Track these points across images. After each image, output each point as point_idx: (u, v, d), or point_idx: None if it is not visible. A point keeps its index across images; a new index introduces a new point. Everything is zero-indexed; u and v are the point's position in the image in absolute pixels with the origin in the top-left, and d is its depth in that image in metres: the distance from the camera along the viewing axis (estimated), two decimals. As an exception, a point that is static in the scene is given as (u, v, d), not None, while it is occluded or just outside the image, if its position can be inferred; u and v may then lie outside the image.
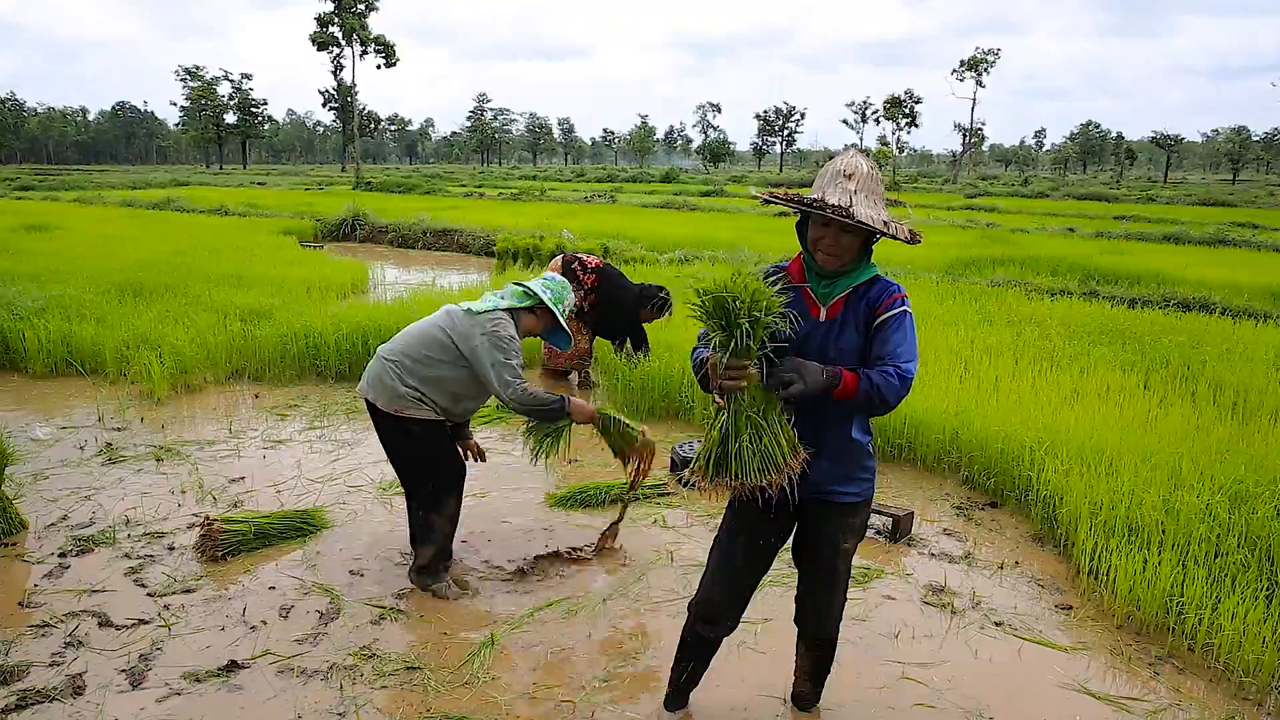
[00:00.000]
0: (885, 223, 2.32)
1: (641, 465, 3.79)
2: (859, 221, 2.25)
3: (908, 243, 2.40)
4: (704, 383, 2.40)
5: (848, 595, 2.73)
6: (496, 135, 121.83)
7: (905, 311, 2.41)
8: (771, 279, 2.41)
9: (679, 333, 7.20)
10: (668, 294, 6.56)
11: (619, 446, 3.78)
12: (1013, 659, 3.25)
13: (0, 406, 6.07)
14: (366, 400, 3.54)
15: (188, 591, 3.57)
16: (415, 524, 3.63)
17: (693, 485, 2.38)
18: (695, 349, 2.54)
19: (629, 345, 6.71)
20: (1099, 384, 5.97)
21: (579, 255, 6.84)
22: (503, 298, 3.59)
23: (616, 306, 6.59)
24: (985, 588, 3.78)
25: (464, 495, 3.95)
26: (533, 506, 4.54)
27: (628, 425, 3.72)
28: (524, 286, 3.64)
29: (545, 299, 3.59)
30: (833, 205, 2.27)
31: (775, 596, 3.64)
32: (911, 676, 3.12)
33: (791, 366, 2.29)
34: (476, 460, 3.96)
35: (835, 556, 2.61)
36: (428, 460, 3.56)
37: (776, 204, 2.39)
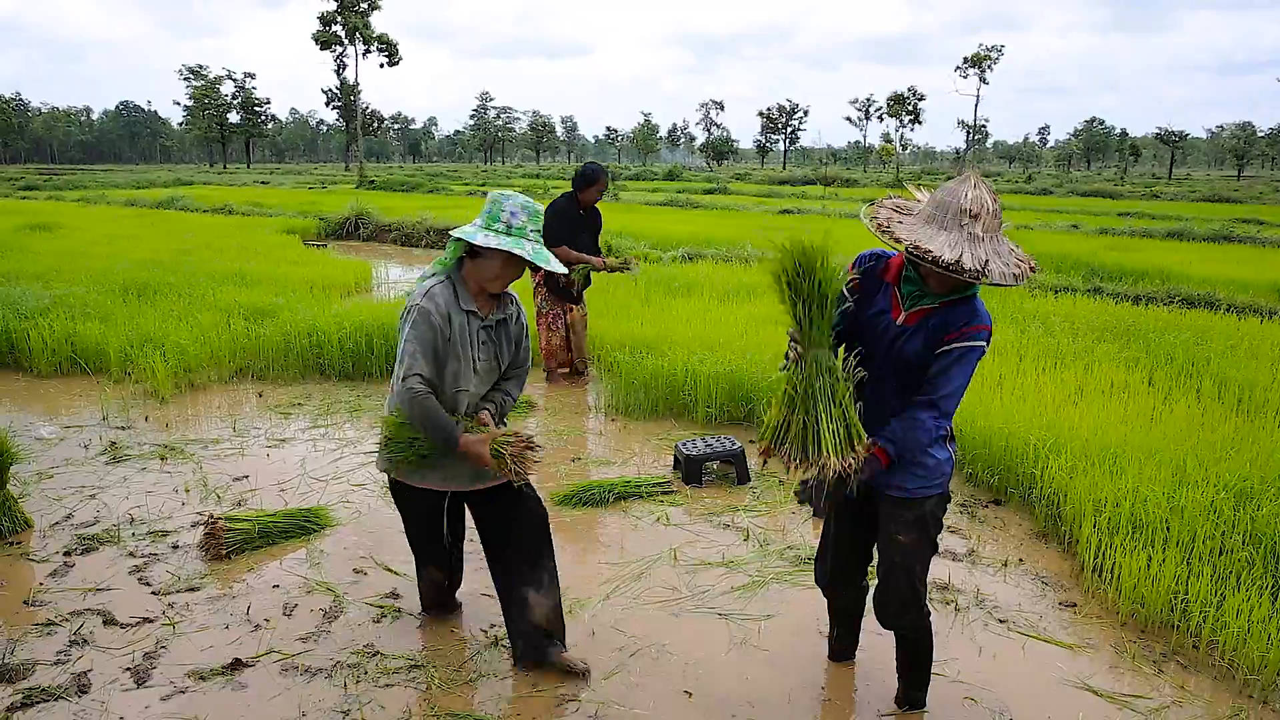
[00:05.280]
0: (1017, 276, 2.21)
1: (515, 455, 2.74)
2: (995, 284, 2.20)
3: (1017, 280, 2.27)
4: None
5: (915, 595, 2.67)
6: (500, 134, 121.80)
7: (977, 346, 2.35)
8: (868, 266, 2.52)
9: (681, 329, 7.19)
10: (594, 166, 6.34)
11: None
12: (1017, 656, 3.25)
13: (5, 406, 6.09)
14: None
15: (192, 590, 3.58)
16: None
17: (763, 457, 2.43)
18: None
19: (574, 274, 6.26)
20: (1103, 381, 5.95)
21: None
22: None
23: (551, 220, 6.02)
24: (989, 585, 3.77)
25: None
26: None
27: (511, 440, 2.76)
28: (456, 235, 2.77)
29: (469, 232, 2.70)
30: (970, 270, 2.18)
31: (777, 594, 3.64)
32: (915, 674, 3.11)
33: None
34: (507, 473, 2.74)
35: (890, 549, 2.63)
36: (403, 519, 3.18)
37: (891, 238, 2.27)
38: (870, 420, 2.57)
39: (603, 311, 7.85)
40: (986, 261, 2.21)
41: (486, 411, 2.90)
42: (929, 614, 2.78)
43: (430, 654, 3.17)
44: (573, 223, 6.36)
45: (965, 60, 72.00)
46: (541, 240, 2.78)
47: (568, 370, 6.91)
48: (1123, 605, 3.51)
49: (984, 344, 2.38)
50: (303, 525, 4.11)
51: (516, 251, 2.65)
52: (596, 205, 6.60)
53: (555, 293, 6.51)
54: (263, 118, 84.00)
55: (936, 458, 2.56)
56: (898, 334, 2.46)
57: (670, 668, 3.12)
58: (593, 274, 6.57)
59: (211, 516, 3.94)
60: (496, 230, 2.67)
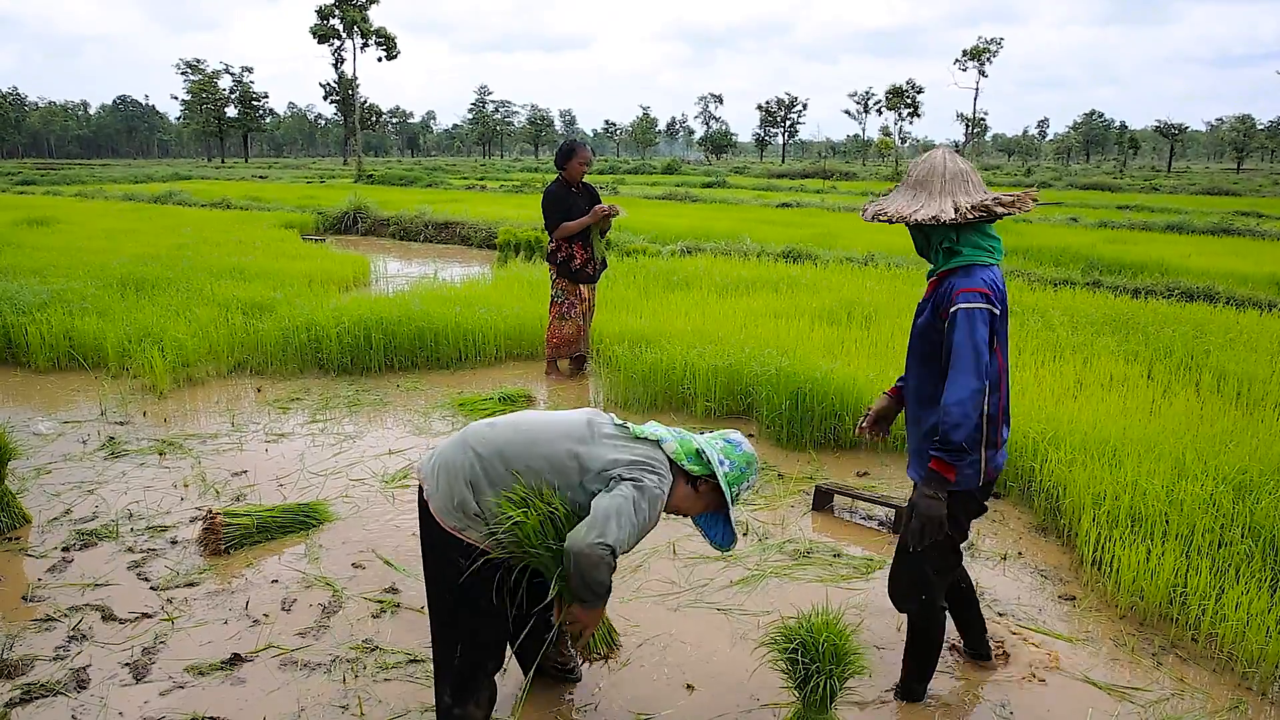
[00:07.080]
0: (885, 213, 2.56)
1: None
2: (891, 220, 2.54)
3: (957, 218, 2.46)
4: None
5: (915, 585, 2.73)
6: (498, 128, 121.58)
7: (962, 310, 2.45)
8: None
9: (680, 323, 7.19)
10: (569, 139, 6.48)
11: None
12: (1016, 649, 3.24)
13: (3, 401, 6.08)
14: (420, 489, 2.48)
15: (190, 585, 3.58)
16: (437, 698, 2.57)
17: None
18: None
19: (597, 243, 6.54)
20: (1102, 374, 5.95)
21: None
22: (666, 441, 2.57)
23: (547, 205, 6.40)
24: (988, 579, 3.77)
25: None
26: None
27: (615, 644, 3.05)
28: (697, 443, 2.60)
29: (719, 472, 2.57)
30: (870, 212, 2.63)
31: (776, 588, 3.64)
32: (914, 667, 3.11)
33: (913, 523, 2.54)
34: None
35: (906, 530, 2.66)
36: (465, 609, 2.48)
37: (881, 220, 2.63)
38: (909, 409, 2.77)
39: (601, 305, 7.84)
40: (881, 205, 2.60)
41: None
42: (943, 608, 2.78)
43: (429, 648, 3.16)
44: (567, 200, 6.42)
45: (964, 53, 71.88)
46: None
47: (568, 360, 6.88)
48: (1122, 598, 3.51)
49: (975, 305, 2.43)
50: (301, 520, 4.10)
51: (729, 514, 2.64)
52: (590, 184, 6.63)
53: (568, 276, 6.52)
54: (260, 112, 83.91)
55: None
56: (917, 314, 2.66)
57: (672, 661, 3.12)
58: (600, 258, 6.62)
59: (210, 511, 3.93)
60: (733, 494, 2.63)
